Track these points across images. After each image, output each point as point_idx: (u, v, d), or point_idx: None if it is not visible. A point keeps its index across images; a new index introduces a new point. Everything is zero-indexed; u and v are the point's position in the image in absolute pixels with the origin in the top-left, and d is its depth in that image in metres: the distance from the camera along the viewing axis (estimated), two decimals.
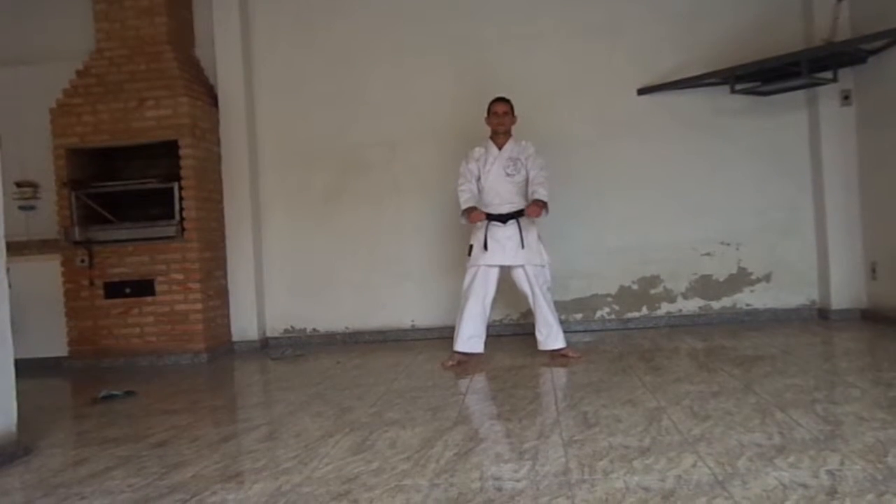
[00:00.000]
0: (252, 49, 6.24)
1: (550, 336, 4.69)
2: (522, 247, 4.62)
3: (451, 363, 4.68)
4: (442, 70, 6.04)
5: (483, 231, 4.67)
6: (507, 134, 4.80)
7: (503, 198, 4.70)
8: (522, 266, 4.66)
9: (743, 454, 2.48)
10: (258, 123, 6.25)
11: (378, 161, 6.13)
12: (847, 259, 5.63)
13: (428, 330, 6.05)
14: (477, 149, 4.83)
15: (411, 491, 2.36)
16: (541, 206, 4.57)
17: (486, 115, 4.83)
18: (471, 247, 4.75)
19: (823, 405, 3.08)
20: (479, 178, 4.76)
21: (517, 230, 4.64)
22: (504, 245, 4.63)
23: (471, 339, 4.70)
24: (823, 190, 5.66)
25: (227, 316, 6.09)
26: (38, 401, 4.30)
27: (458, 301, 5.96)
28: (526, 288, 4.72)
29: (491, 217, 4.66)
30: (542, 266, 4.71)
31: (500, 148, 4.77)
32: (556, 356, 4.69)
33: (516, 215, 4.65)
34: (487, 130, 4.84)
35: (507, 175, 4.71)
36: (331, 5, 6.17)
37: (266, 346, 6.13)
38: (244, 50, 6.15)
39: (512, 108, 4.80)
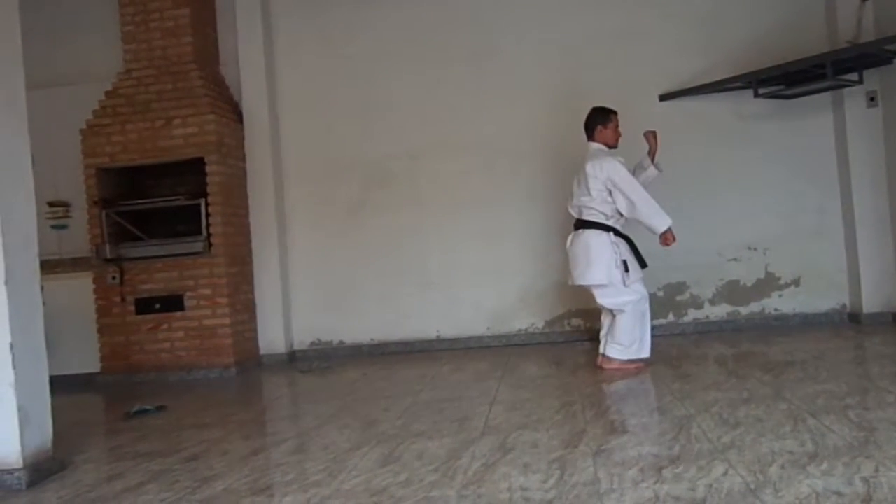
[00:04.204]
0: (275, 66, 6.32)
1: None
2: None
3: (637, 366, 4.49)
4: (462, 80, 6.07)
5: (625, 247, 4.50)
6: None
7: None
8: None
9: (775, 462, 2.45)
10: (282, 139, 6.33)
11: (400, 172, 6.17)
12: (878, 262, 5.53)
13: (454, 340, 6.05)
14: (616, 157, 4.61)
15: (439, 502, 2.37)
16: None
17: (610, 125, 4.61)
18: (625, 262, 4.44)
19: (856, 411, 3.03)
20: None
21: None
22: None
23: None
24: (852, 192, 5.58)
25: (255, 330, 6.14)
26: (72, 416, 4.37)
27: (481, 311, 6.02)
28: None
29: (622, 235, 4.53)
30: None
31: None
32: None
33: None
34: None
35: None
36: (352, 20, 6.24)
37: (293, 359, 6.18)
38: (268, 67, 6.24)
39: None
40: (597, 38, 5.93)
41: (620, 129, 4.67)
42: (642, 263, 4.55)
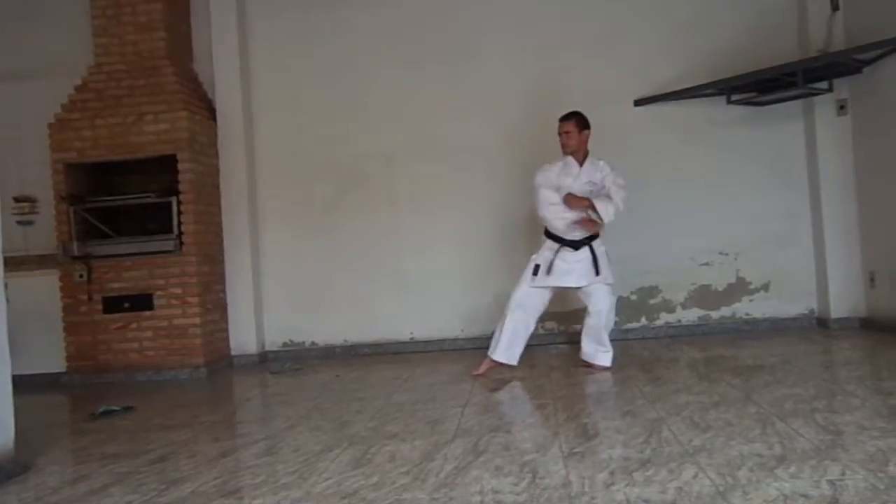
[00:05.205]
0: (250, 63, 6.26)
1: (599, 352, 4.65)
2: (597, 272, 4.51)
3: (482, 371, 4.64)
4: (440, 82, 6.06)
5: (553, 253, 4.53)
6: (583, 152, 4.58)
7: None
8: (593, 284, 4.57)
9: (744, 465, 2.47)
10: (256, 137, 6.26)
11: (376, 173, 6.14)
12: (846, 268, 5.63)
13: (427, 342, 6.04)
14: (555, 164, 4.59)
15: None
16: (592, 223, 4.47)
17: (560, 132, 4.62)
18: (537, 266, 4.56)
19: (824, 414, 3.08)
20: (557, 190, 4.53)
21: (589, 254, 4.53)
22: (574, 268, 4.52)
23: (511, 349, 4.65)
24: (821, 199, 5.67)
25: (226, 330, 6.07)
26: (36, 417, 4.27)
27: (455, 313, 6.02)
28: (594, 301, 4.61)
29: (564, 243, 4.54)
30: (610, 284, 4.64)
31: (580, 166, 4.57)
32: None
33: (589, 241, 4.55)
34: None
35: None
36: (328, 19, 6.19)
37: (265, 360, 6.12)
38: (242, 64, 6.17)
39: (580, 122, 4.55)
40: (574, 43, 5.96)
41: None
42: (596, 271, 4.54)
